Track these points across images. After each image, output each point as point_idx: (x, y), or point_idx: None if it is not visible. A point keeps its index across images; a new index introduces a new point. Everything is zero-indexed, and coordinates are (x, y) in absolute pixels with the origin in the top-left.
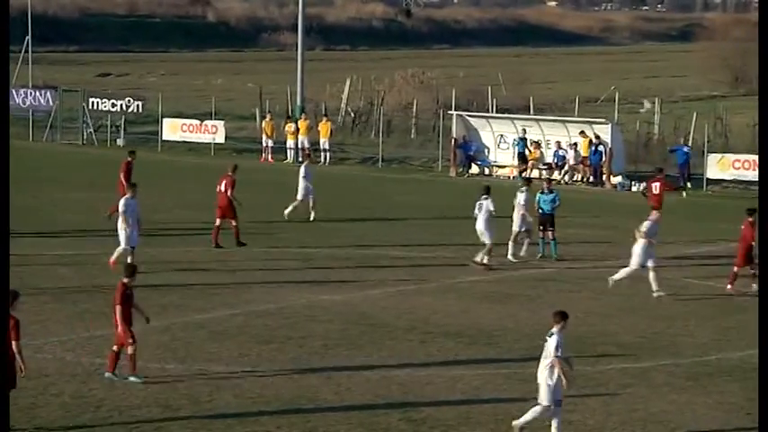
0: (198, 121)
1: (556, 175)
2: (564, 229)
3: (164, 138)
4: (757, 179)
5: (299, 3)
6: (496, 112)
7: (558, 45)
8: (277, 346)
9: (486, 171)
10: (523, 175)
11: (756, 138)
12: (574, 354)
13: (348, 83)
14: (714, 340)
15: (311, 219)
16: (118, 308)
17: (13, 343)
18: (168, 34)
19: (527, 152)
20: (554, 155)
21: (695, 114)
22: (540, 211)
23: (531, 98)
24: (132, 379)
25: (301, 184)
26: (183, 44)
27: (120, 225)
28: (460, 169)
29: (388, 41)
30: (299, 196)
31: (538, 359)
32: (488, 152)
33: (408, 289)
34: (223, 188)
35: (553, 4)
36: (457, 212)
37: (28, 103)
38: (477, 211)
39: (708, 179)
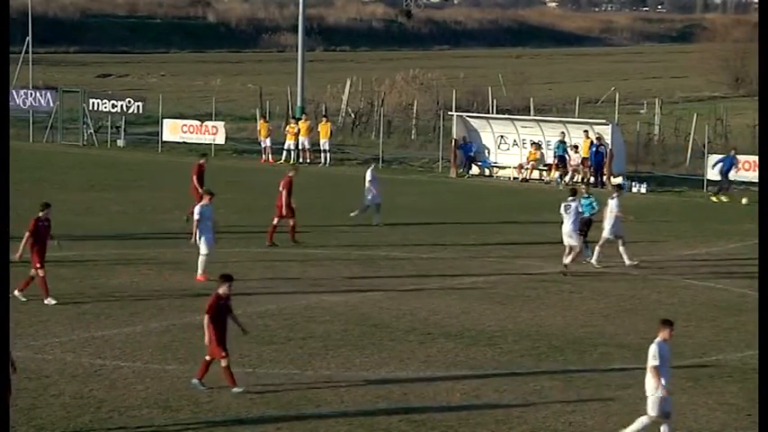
0: (198, 122)
1: (555, 175)
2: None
3: (164, 139)
4: (757, 180)
5: (300, 4)
6: (497, 112)
7: (558, 46)
8: (277, 346)
9: (487, 172)
10: (574, 180)
11: (756, 138)
12: (574, 354)
13: (348, 84)
14: (714, 341)
15: (376, 224)
16: (206, 319)
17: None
18: (169, 35)
19: (566, 156)
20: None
21: (695, 115)
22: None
23: (532, 99)
24: (235, 390)
25: (368, 188)
26: (184, 45)
27: (197, 232)
28: (461, 170)
29: (389, 42)
30: (367, 201)
31: (538, 359)
32: (489, 153)
33: (408, 290)
34: (281, 188)
35: (553, 4)
36: (457, 213)
37: (28, 103)
38: (563, 212)
39: (708, 180)
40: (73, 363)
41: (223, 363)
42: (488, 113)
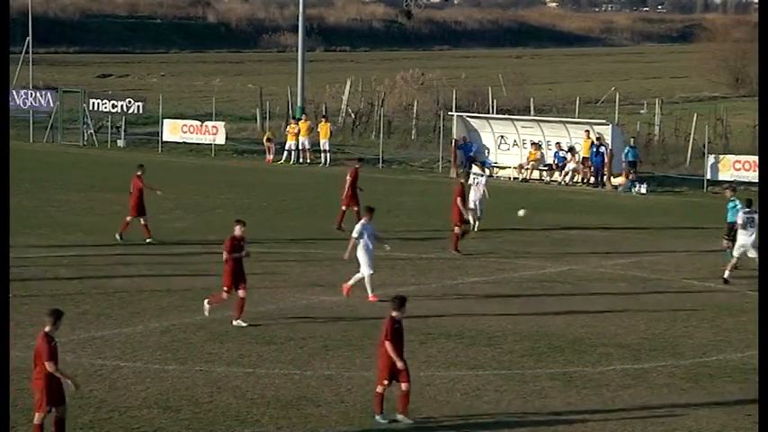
0: (198, 122)
1: (556, 176)
2: (565, 230)
3: (164, 139)
4: (757, 180)
5: (300, 4)
6: (497, 112)
7: (558, 46)
8: (277, 346)
9: (487, 172)
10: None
11: (756, 139)
12: (574, 354)
13: (348, 84)
14: (714, 341)
15: (474, 229)
16: (388, 344)
17: (48, 364)
18: (169, 35)
19: (638, 161)
20: (554, 156)
21: (695, 115)
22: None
23: (532, 99)
24: (400, 418)
25: (473, 193)
26: (184, 45)
27: (359, 251)
28: (461, 170)
29: (389, 42)
30: (472, 205)
31: (538, 359)
32: (489, 153)
33: (408, 290)
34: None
35: (554, 5)
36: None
37: (28, 104)
38: (746, 224)
39: (708, 180)
40: (73, 363)
41: (404, 387)
42: (488, 113)
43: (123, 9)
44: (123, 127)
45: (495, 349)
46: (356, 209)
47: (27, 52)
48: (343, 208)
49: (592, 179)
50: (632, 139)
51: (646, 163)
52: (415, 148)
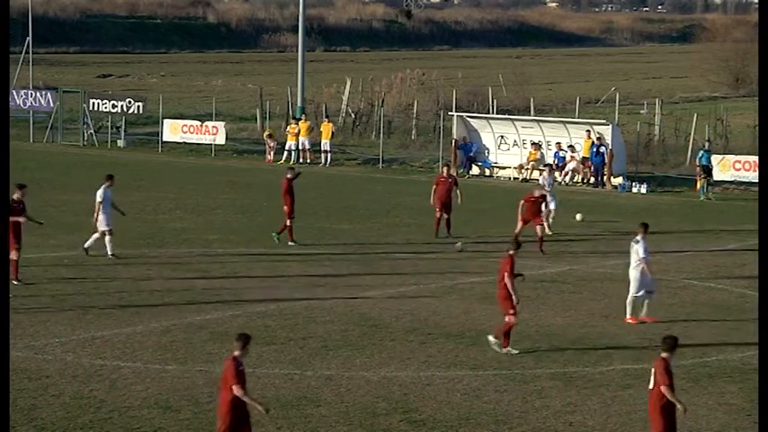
0: (198, 123)
1: (556, 176)
2: (565, 230)
3: (164, 139)
4: (758, 180)
5: (300, 4)
6: (497, 113)
7: (558, 46)
8: (277, 347)
9: (487, 172)
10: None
11: (757, 139)
12: (574, 354)
13: (349, 84)
14: (714, 341)
15: (549, 232)
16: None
17: (236, 388)
18: (169, 35)
19: (711, 165)
20: (554, 156)
21: (696, 115)
22: None
23: (532, 99)
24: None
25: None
26: (184, 45)
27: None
28: (461, 170)
29: (389, 42)
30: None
31: (538, 359)
32: (489, 153)
33: (409, 290)
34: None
35: (554, 5)
36: (457, 213)
37: (28, 104)
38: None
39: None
40: (73, 363)
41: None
42: (488, 114)
43: (123, 9)
44: (123, 127)
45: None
46: (446, 216)
47: (27, 52)
48: (438, 214)
49: (592, 179)
50: (707, 143)
51: (646, 163)
52: (415, 149)
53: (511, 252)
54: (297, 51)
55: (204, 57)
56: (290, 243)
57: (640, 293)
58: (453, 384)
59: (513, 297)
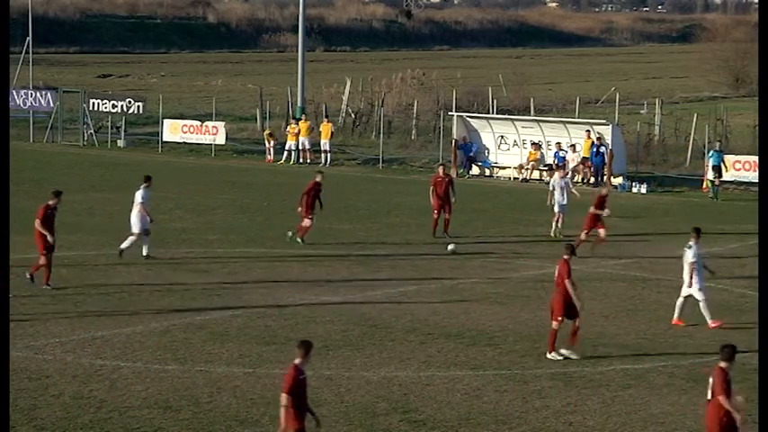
0: (198, 123)
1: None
2: (565, 230)
3: (164, 139)
4: (757, 180)
5: (300, 4)
6: (497, 113)
7: (558, 46)
8: (277, 347)
9: (487, 172)
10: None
11: (757, 139)
12: (574, 355)
13: (348, 84)
14: (714, 341)
15: (552, 234)
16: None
17: (285, 397)
18: (169, 35)
19: (722, 166)
20: (554, 156)
21: (695, 115)
22: None
23: (532, 99)
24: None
25: (557, 196)
26: (184, 45)
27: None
28: (461, 170)
29: (389, 42)
30: (556, 209)
31: (538, 359)
32: (489, 153)
33: (409, 290)
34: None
35: (554, 5)
36: (457, 213)
37: (28, 104)
38: None
39: (708, 180)
40: (73, 363)
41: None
42: (488, 114)
43: (123, 9)
44: (123, 127)
45: (495, 349)
46: (447, 216)
47: (27, 52)
48: (435, 214)
49: (592, 179)
50: (718, 143)
51: (646, 163)
52: (415, 149)
53: (565, 257)
54: (297, 51)
55: (204, 57)
56: (298, 239)
57: (702, 297)
58: (453, 384)
59: (577, 302)
